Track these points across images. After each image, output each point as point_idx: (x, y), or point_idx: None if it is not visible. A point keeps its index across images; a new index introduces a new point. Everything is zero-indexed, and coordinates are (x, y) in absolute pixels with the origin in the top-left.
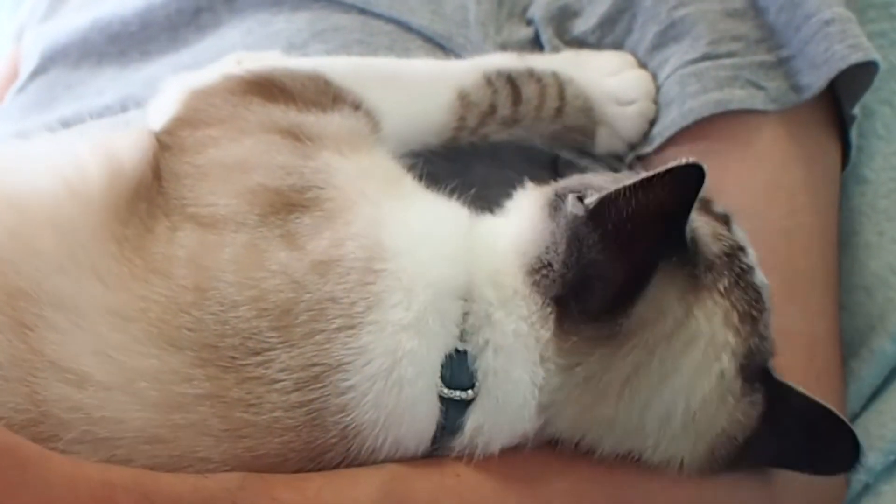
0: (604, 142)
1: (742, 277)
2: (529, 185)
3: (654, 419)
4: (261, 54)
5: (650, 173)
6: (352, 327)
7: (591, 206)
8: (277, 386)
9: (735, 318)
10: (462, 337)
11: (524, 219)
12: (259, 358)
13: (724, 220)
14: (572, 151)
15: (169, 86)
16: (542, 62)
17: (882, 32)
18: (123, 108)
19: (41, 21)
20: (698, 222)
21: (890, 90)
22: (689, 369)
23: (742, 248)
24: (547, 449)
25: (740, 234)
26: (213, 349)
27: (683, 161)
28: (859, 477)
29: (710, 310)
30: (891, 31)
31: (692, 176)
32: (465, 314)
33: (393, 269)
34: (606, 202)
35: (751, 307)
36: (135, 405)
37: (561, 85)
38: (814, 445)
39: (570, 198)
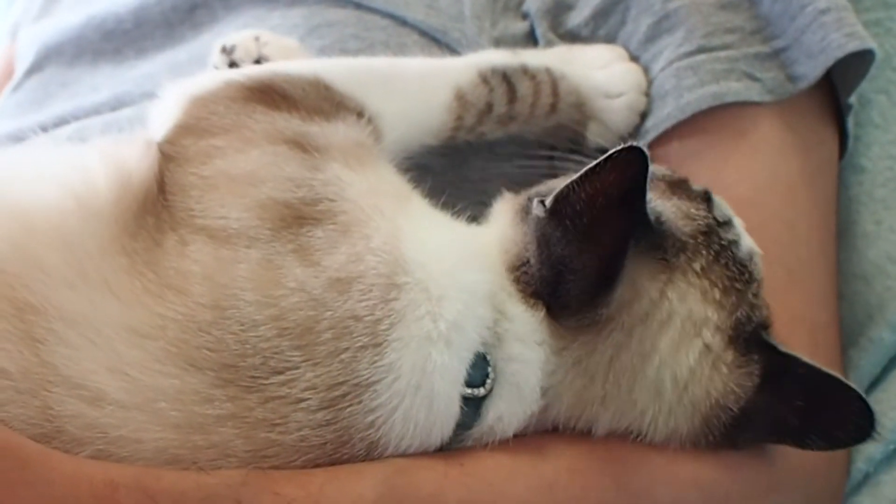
0: (595, 136)
1: (722, 253)
2: (507, 194)
3: (645, 395)
4: (279, 37)
5: (591, 164)
6: (377, 345)
7: (549, 206)
8: (303, 405)
9: (716, 294)
10: (485, 337)
11: (504, 223)
12: (282, 377)
13: (703, 196)
14: (566, 146)
15: (168, 92)
16: (534, 58)
17: (877, 21)
18: (119, 106)
19: (36, 19)
20: (665, 205)
21: (886, 79)
22: (667, 346)
23: (724, 223)
24: (547, 431)
25: (722, 207)
26: (234, 369)
27: (622, 146)
28: (859, 466)
29: (683, 290)
30: (886, 20)
31: (634, 158)
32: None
33: (418, 281)
34: (560, 199)
35: (734, 281)
36: (154, 425)
37: (554, 81)
38: (823, 416)
39: (535, 201)
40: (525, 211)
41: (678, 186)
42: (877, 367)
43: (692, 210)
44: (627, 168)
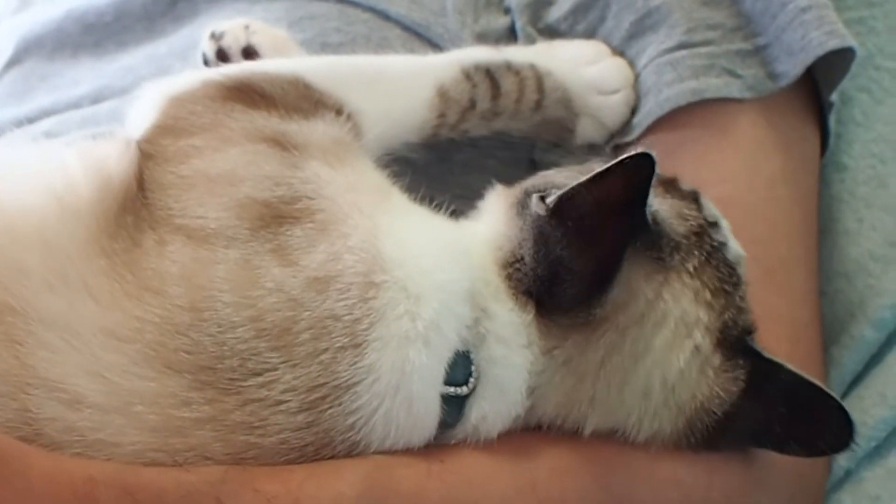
0: (586, 132)
1: (713, 255)
2: (499, 186)
3: (633, 396)
4: (269, 27)
5: (602, 167)
6: (357, 345)
7: (551, 206)
8: (282, 407)
9: (707, 295)
10: (465, 336)
11: (497, 218)
12: (260, 379)
13: (692, 196)
14: (548, 142)
15: (146, 92)
16: (518, 54)
17: (860, 19)
18: (99, 99)
19: (15, 12)
20: (661, 205)
21: (868, 77)
22: (661, 347)
23: (713, 224)
24: (530, 430)
25: (710, 208)
26: (212, 371)
27: (633, 152)
28: (840, 463)
29: (678, 290)
30: (869, 18)
31: (643, 164)
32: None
33: (396, 279)
34: (564, 200)
35: (723, 283)
36: (132, 429)
37: (539, 77)
38: (804, 424)
39: (534, 198)
40: (521, 206)
41: (670, 185)
42: (859, 364)
43: (684, 210)
44: (636, 174)
